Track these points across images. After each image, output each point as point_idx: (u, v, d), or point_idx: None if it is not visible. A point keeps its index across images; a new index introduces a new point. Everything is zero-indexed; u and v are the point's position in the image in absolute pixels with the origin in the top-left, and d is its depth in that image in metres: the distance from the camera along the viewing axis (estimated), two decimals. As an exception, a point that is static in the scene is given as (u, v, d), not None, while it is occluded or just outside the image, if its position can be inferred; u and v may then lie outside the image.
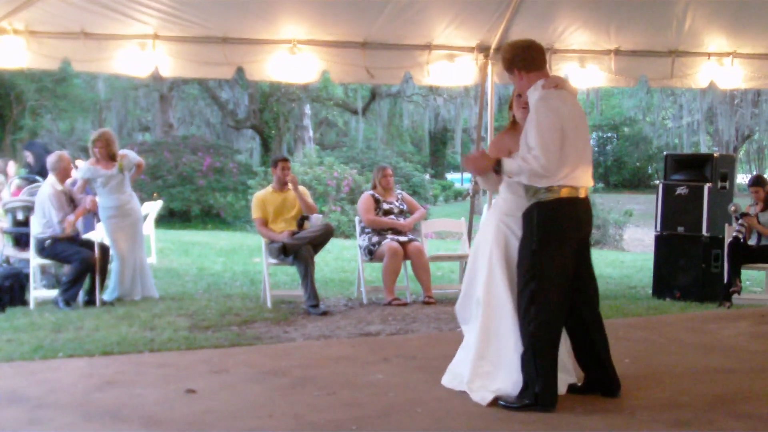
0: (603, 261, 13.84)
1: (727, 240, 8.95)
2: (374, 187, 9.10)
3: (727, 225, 9.08)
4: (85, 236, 8.85)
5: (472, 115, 27.98)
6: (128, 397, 4.90)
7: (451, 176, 46.23)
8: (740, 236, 8.86)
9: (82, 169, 8.74)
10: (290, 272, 9.82)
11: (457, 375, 5.02)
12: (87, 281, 8.21)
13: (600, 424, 4.38)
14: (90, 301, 8.15)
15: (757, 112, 30.70)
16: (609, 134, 43.86)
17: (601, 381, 4.86)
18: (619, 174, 42.37)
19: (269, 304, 8.25)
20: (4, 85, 24.24)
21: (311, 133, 28.95)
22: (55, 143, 24.22)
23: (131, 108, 29.98)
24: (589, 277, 4.89)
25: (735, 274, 8.78)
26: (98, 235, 8.79)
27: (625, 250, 19.60)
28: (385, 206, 8.93)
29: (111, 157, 8.57)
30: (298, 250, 8.12)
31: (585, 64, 9.34)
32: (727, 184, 9.30)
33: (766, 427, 4.43)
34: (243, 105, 28.48)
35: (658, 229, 9.48)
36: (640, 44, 9.32)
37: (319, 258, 8.68)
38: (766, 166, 41.59)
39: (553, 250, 4.59)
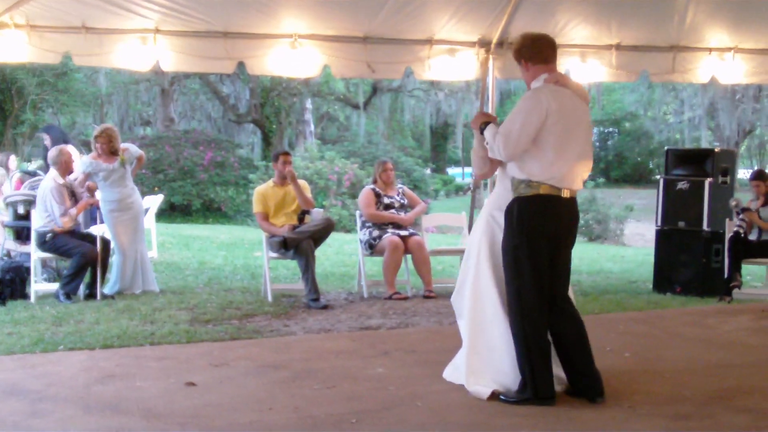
0: (604, 256, 13.85)
1: (728, 235, 8.96)
2: (375, 182, 9.11)
3: (727, 220, 9.09)
4: (93, 228, 8.88)
5: (473, 110, 27.83)
6: (128, 390, 4.92)
7: (452, 171, 46.28)
8: (741, 231, 8.87)
9: (83, 162, 8.74)
10: (291, 266, 9.83)
11: (457, 368, 5.04)
12: (88, 275, 8.22)
13: (600, 418, 4.39)
14: (90, 295, 8.16)
15: (758, 107, 30.62)
16: (610, 129, 43.85)
17: (577, 385, 4.72)
18: (620, 169, 42.37)
19: (270, 298, 8.26)
20: (5, 80, 24.22)
21: (312, 127, 28.94)
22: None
23: (132, 102, 29.98)
24: (556, 276, 4.68)
25: (735, 269, 8.79)
26: (102, 228, 8.81)
27: (626, 244, 19.61)
28: (386, 200, 8.93)
29: (113, 153, 8.58)
30: (299, 244, 8.13)
31: (586, 59, 9.31)
32: (728, 179, 9.30)
33: (767, 421, 4.44)
34: (244, 99, 28.44)
35: (659, 223, 9.48)
36: (641, 39, 9.29)
37: (319, 252, 8.68)
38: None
39: (531, 245, 4.57)
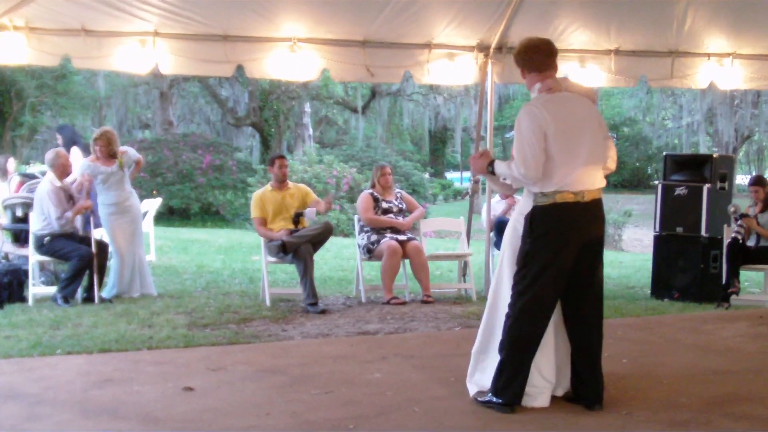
0: (602, 261, 13.83)
1: (726, 241, 8.96)
2: (373, 186, 9.10)
3: (725, 226, 9.09)
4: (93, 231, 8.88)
5: (472, 115, 27.99)
6: (126, 394, 4.91)
7: (450, 175, 46.31)
8: (739, 237, 8.87)
9: (82, 165, 8.74)
10: (289, 270, 9.82)
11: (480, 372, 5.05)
12: (85, 278, 8.22)
13: (597, 424, 4.38)
14: (88, 298, 8.15)
15: (756, 113, 30.70)
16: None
17: (576, 391, 4.72)
18: (618, 174, 42.25)
19: (268, 302, 8.25)
20: (4, 82, 24.24)
21: (311, 131, 28.97)
22: (55, 140, 24.19)
23: (131, 105, 30.02)
24: (588, 284, 4.68)
25: (733, 274, 8.79)
26: (100, 232, 8.79)
27: (624, 250, 19.62)
28: (384, 205, 8.93)
29: (111, 156, 8.59)
30: (298, 249, 8.12)
31: (585, 64, 9.32)
32: (726, 185, 9.30)
33: (764, 428, 4.43)
34: (243, 103, 28.49)
35: (657, 229, 9.48)
36: (640, 44, 9.31)
37: (318, 256, 8.68)
38: (766, 166, 41.66)
39: (545, 255, 4.54)
